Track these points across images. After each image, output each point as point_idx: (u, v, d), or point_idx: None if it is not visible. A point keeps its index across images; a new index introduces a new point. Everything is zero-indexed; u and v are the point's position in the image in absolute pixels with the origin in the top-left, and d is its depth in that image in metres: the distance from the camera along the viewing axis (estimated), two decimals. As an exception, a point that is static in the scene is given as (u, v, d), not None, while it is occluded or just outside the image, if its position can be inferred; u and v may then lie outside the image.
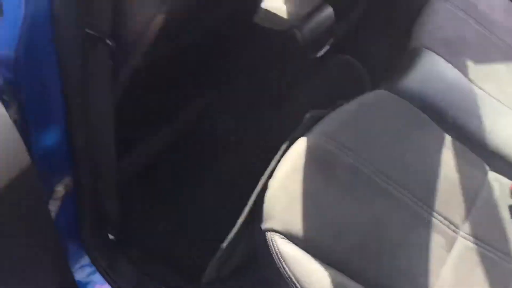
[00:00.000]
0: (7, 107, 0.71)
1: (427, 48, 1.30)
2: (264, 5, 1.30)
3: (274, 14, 1.33)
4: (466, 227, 0.99)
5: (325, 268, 0.87)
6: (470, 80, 1.26)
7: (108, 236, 1.09)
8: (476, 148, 1.13)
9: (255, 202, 1.04)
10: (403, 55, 1.32)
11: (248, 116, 1.46)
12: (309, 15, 1.35)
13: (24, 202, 0.75)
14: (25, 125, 0.78)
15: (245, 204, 1.06)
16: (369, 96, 1.17)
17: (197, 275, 1.09)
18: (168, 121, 1.32)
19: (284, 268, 0.87)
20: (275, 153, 1.10)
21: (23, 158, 0.70)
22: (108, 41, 0.80)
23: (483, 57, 1.33)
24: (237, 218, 1.06)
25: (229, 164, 1.41)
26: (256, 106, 1.42)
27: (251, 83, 1.42)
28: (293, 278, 0.86)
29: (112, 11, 0.78)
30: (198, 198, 1.34)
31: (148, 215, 1.28)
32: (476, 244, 0.97)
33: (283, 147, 1.09)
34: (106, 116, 0.88)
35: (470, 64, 1.30)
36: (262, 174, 1.07)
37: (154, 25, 0.85)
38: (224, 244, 1.03)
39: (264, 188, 0.99)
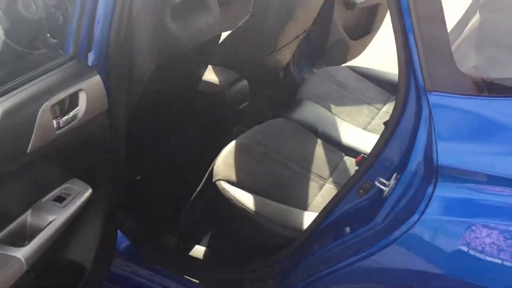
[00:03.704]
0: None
1: (306, 99, 2.12)
2: (204, 77, 2.10)
3: (210, 83, 2.13)
4: (330, 179, 1.72)
5: (254, 195, 1.56)
6: (333, 113, 2.08)
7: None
8: (336, 145, 1.91)
9: (208, 175, 1.74)
10: (292, 103, 2.14)
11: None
12: (232, 83, 2.16)
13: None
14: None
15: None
16: (272, 121, 1.94)
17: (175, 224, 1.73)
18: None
19: (232, 199, 1.55)
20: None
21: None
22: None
23: (341, 103, 2.17)
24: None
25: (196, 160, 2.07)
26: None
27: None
28: (239, 203, 1.54)
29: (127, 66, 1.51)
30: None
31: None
32: (335, 186, 1.70)
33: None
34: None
35: (333, 106, 2.12)
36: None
37: (148, 72, 1.58)
38: (191, 199, 1.71)
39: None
